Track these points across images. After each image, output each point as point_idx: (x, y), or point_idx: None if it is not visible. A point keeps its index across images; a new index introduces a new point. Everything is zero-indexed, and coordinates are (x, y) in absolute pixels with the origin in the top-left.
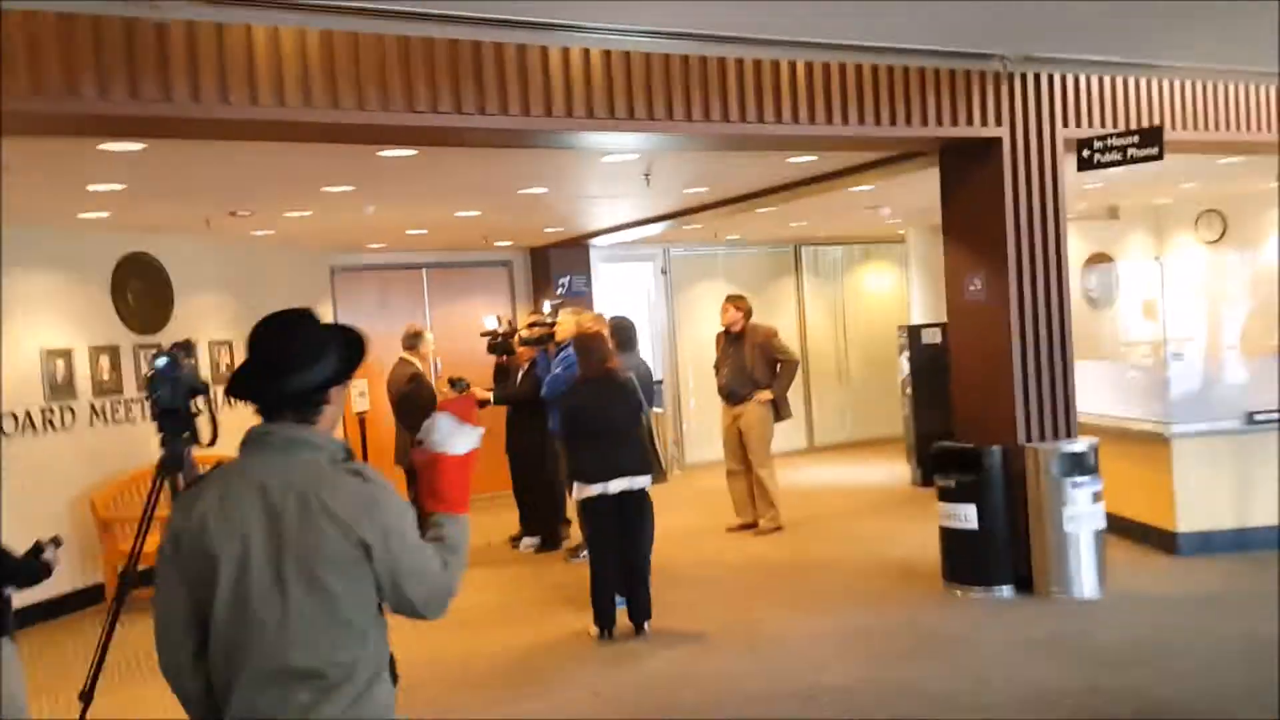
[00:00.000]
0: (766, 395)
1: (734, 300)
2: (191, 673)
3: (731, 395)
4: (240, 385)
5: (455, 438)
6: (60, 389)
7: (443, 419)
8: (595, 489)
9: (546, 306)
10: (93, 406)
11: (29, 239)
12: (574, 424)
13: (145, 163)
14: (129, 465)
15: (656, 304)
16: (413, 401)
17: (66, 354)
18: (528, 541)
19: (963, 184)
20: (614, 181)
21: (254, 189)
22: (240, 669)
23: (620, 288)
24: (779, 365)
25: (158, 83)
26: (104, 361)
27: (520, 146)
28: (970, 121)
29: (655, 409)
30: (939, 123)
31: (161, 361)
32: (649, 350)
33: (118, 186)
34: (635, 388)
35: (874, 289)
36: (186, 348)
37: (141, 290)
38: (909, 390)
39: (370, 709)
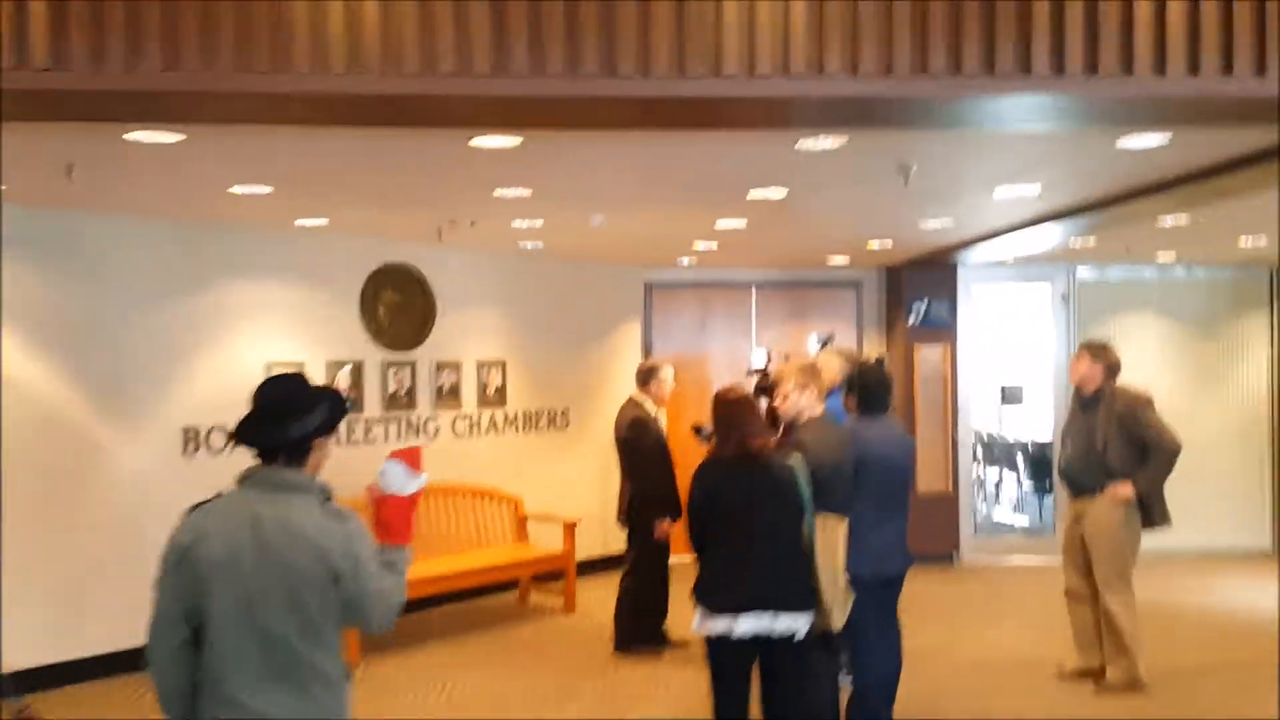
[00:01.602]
0: (1126, 490)
1: (1091, 348)
2: (174, 666)
3: (1074, 483)
4: (245, 433)
5: (404, 481)
6: None
7: (392, 465)
8: (719, 625)
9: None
10: None
11: (255, 245)
12: (696, 522)
13: (278, 159)
14: (357, 489)
15: (1055, 340)
16: (634, 450)
17: (297, 368)
18: None
19: None
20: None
21: (422, 194)
22: (233, 670)
23: (1000, 317)
24: (1149, 449)
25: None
26: (343, 379)
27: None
28: None
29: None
30: None
31: None
32: (1044, 399)
33: (263, 189)
34: (794, 479)
35: None
36: None
37: (397, 304)
38: None
39: (336, 709)
